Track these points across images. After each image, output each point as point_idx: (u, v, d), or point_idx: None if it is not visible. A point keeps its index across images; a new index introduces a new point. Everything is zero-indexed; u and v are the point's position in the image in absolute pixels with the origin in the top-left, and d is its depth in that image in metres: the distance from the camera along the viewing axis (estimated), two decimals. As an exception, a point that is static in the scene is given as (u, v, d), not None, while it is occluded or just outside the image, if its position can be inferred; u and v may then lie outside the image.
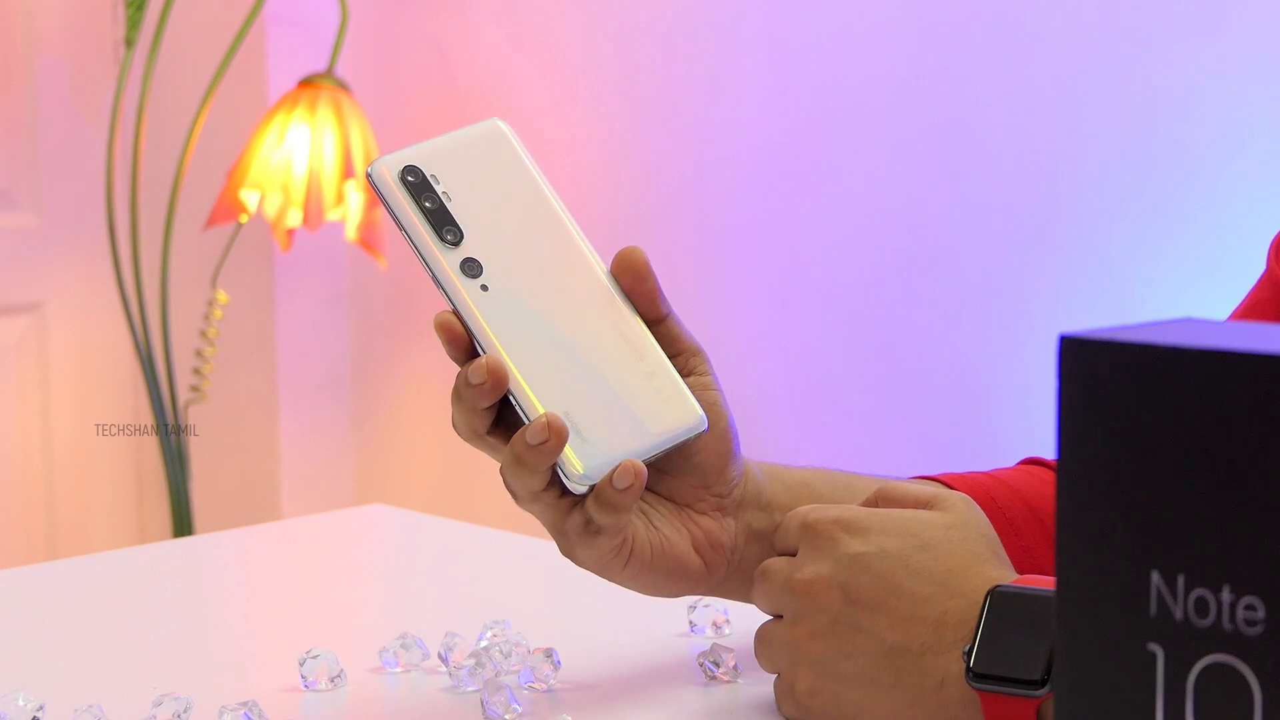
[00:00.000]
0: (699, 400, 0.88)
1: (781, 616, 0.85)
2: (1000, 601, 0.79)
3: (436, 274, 0.86)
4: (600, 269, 0.88)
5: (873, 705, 0.81)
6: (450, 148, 0.87)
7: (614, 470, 0.84)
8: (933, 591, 0.81)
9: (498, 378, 0.83)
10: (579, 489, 0.85)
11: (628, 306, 0.88)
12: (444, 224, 0.86)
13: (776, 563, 0.86)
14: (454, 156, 0.87)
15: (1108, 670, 0.54)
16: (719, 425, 0.89)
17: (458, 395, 0.84)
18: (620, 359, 0.87)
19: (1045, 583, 0.80)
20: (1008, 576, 0.82)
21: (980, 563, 0.82)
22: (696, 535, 0.89)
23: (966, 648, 0.79)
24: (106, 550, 1.65)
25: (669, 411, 0.87)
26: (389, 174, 0.86)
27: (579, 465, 0.85)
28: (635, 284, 0.88)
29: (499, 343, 0.85)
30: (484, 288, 0.85)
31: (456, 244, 0.86)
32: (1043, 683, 0.77)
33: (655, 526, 0.89)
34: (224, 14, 2.56)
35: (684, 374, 0.89)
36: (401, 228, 0.86)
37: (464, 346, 0.85)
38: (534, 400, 0.84)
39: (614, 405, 0.86)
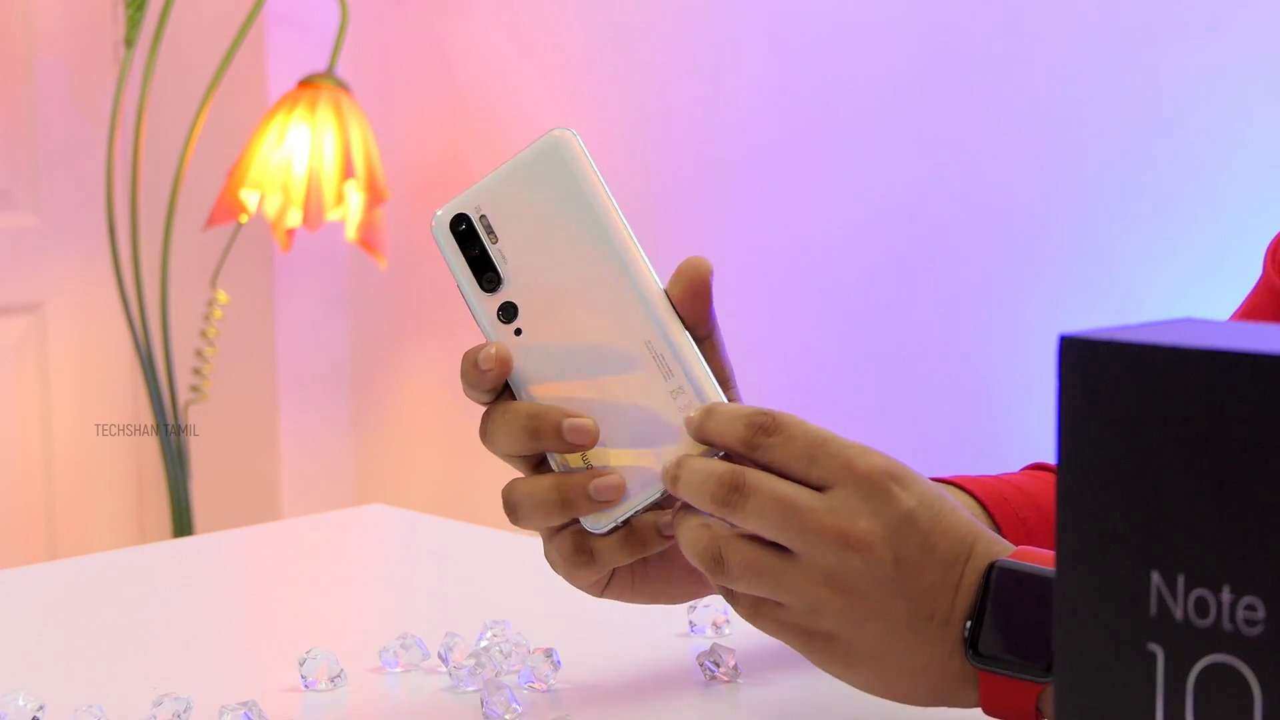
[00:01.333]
0: None
1: (787, 551, 0.79)
2: (1002, 580, 0.78)
3: (479, 321, 0.86)
4: (651, 279, 0.85)
5: (878, 666, 0.79)
6: (507, 177, 0.86)
7: (660, 517, 0.83)
8: (958, 553, 0.79)
9: (503, 366, 0.83)
10: (599, 530, 0.84)
11: (673, 318, 0.85)
12: (484, 270, 0.85)
13: (808, 498, 0.77)
14: (508, 187, 0.86)
15: (1108, 670, 0.54)
16: None
17: (467, 379, 0.84)
18: (649, 383, 0.85)
19: (1042, 558, 0.79)
20: (999, 540, 0.80)
21: (970, 518, 0.80)
22: None
23: (969, 623, 0.78)
24: (106, 550, 1.65)
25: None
26: (443, 224, 0.86)
27: (608, 515, 0.83)
28: (688, 300, 0.85)
29: (529, 390, 0.84)
30: (518, 332, 0.85)
31: (494, 290, 0.85)
32: (1045, 670, 0.77)
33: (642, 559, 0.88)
34: (224, 14, 2.56)
35: None
36: (455, 278, 0.86)
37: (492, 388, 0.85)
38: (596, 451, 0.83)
39: (640, 442, 0.84)
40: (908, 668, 0.79)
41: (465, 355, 0.85)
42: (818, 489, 0.78)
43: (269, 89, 2.59)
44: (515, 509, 0.84)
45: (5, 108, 2.59)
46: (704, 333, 0.86)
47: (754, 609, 0.80)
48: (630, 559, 0.84)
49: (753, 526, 0.78)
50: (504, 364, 0.84)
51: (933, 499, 0.79)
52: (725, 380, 0.87)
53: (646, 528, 0.84)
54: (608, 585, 0.88)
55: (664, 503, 0.85)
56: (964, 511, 0.81)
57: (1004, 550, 0.80)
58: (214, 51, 2.53)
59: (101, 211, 2.60)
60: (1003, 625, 0.78)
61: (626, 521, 0.84)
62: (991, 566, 0.78)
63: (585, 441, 0.83)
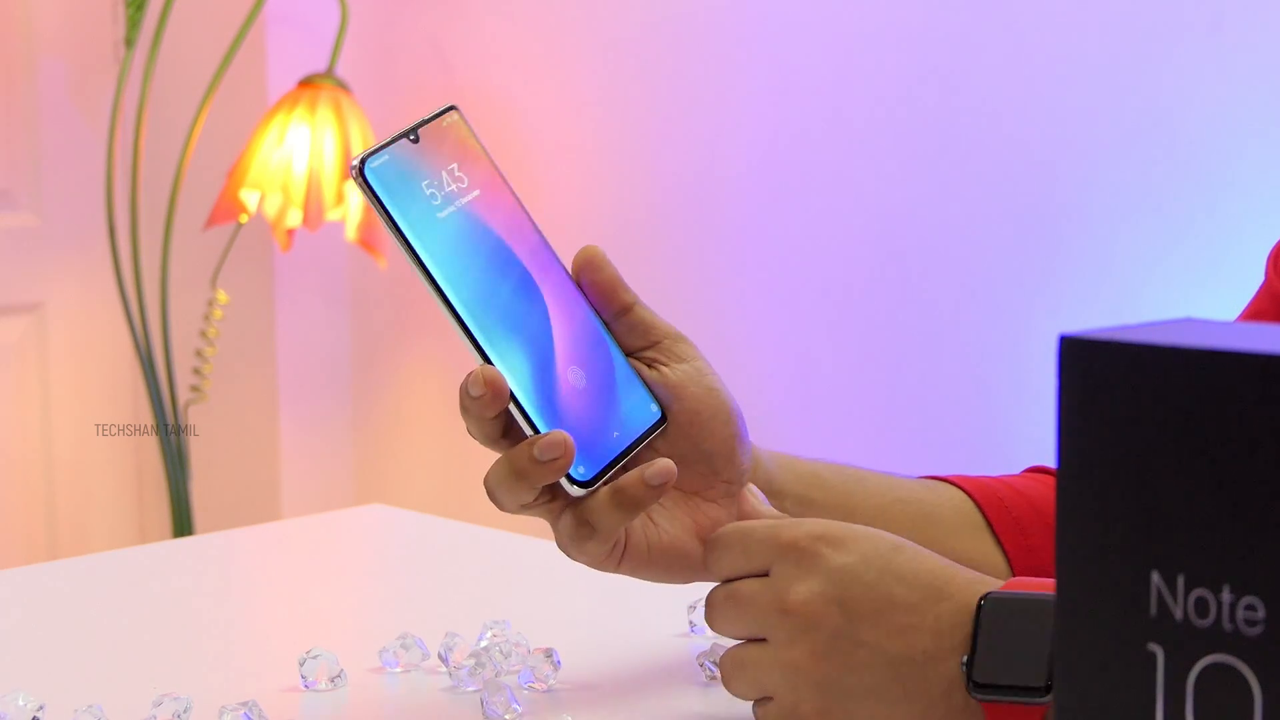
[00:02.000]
0: (697, 386, 0.88)
1: (761, 640, 0.82)
2: (994, 609, 0.78)
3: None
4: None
5: (881, 718, 0.80)
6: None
7: (646, 468, 0.83)
8: (922, 596, 0.79)
9: (496, 389, 0.82)
10: (578, 493, 0.84)
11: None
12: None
13: (751, 585, 0.82)
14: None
15: (1108, 670, 0.54)
16: (724, 410, 0.88)
17: (464, 408, 0.84)
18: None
19: (1033, 585, 0.79)
20: (984, 578, 0.81)
21: (943, 564, 0.81)
22: (701, 524, 0.89)
23: (965, 657, 0.78)
24: (106, 550, 1.65)
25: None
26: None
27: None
28: (596, 275, 0.87)
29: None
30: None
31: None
32: (1046, 689, 0.76)
33: (654, 522, 0.88)
34: (224, 14, 2.56)
35: (672, 360, 0.88)
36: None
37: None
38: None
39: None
40: (911, 714, 0.79)
41: (461, 388, 0.83)
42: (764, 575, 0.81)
43: (269, 89, 2.59)
44: (491, 495, 0.85)
45: (5, 108, 2.58)
46: (624, 304, 0.88)
47: (764, 713, 0.82)
48: (628, 519, 0.84)
49: (722, 630, 0.83)
50: (496, 387, 0.82)
51: (881, 552, 0.80)
52: (680, 338, 0.89)
53: (633, 482, 0.84)
54: (622, 559, 0.87)
55: (641, 456, 0.87)
56: (933, 559, 0.81)
57: (991, 585, 0.80)
58: (214, 51, 2.53)
59: (101, 211, 2.60)
60: (999, 652, 0.77)
61: (599, 480, 0.84)
62: (983, 599, 0.78)
63: (479, 390, 0.82)
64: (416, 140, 0.84)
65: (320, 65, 2.52)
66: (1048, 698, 0.76)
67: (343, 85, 2.45)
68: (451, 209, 0.84)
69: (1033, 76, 2.04)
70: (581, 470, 0.84)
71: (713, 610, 0.83)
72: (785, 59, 2.25)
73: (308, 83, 2.45)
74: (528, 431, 0.84)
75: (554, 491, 0.85)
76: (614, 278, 0.88)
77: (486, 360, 0.83)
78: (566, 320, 0.86)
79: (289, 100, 2.44)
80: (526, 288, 0.86)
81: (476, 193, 0.85)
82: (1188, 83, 1.93)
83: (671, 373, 0.88)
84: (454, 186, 0.84)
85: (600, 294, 0.88)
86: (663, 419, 0.88)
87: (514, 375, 0.83)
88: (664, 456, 0.87)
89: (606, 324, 0.88)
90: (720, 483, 0.89)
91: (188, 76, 2.59)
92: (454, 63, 2.59)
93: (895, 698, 0.79)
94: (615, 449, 0.86)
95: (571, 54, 2.47)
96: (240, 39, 2.44)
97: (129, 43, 2.48)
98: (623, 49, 2.41)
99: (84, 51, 2.65)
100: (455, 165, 0.85)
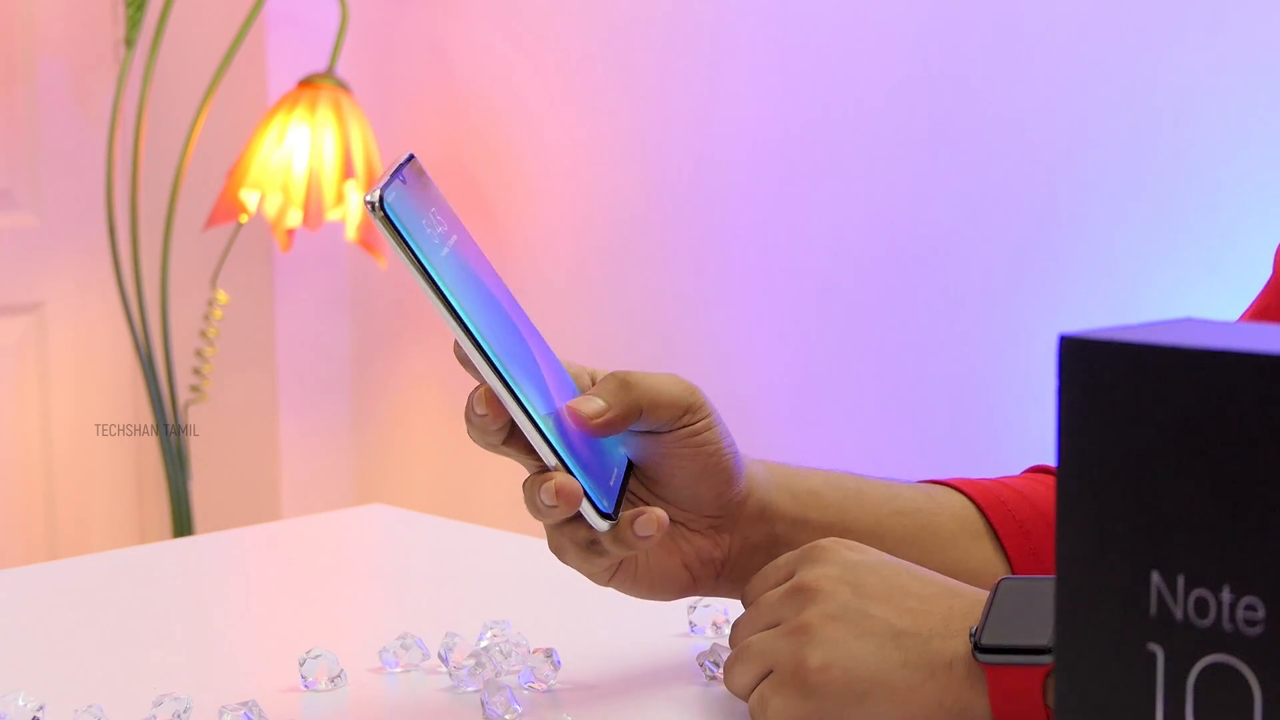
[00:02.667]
0: (699, 452, 0.88)
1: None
2: (1008, 587, 0.81)
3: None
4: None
5: (881, 682, 0.80)
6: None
7: (637, 518, 0.85)
8: (936, 592, 0.83)
9: (496, 410, 0.83)
10: (604, 526, 0.85)
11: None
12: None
13: (771, 591, 0.86)
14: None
15: (1108, 670, 0.54)
16: (715, 469, 0.89)
17: (468, 418, 0.85)
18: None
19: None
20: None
21: (955, 581, 0.85)
22: (686, 552, 0.91)
23: (974, 628, 0.80)
24: (106, 550, 1.66)
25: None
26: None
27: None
28: (611, 423, 0.88)
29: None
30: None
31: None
32: (1049, 650, 0.77)
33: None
34: (224, 14, 2.56)
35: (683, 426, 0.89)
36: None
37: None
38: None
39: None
40: (909, 681, 0.80)
41: (468, 400, 0.84)
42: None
43: (269, 89, 2.59)
44: (529, 506, 0.86)
45: (5, 108, 2.58)
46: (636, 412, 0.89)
47: (761, 701, 0.83)
48: (629, 553, 0.87)
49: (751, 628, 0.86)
50: (570, 497, 0.83)
51: (894, 559, 0.85)
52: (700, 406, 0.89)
53: (625, 528, 0.85)
54: (614, 576, 0.90)
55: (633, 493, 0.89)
56: (946, 577, 0.85)
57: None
58: (214, 51, 2.53)
59: (101, 211, 2.60)
60: (1006, 621, 0.79)
61: (615, 514, 0.85)
62: (999, 582, 0.81)
63: (557, 502, 0.83)
64: (405, 183, 0.83)
65: (320, 65, 2.52)
66: (1049, 658, 0.77)
67: (343, 85, 2.45)
68: (446, 249, 0.84)
69: (1032, 75, 2.04)
70: (605, 503, 0.85)
71: (735, 630, 0.86)
72: (784, 58, 2.25)
73: (308, 83, 2.45)
74: (551, 462, 0.84)
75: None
76: (629, 407, 0.87)
77: (515, 399, 0.83)
78: (543, 362, 0.87)
79: (289, 100, 2.44)
80: (512, 329, 0.86)
81: (455, 237, 0.86)
82: (1188, 83, 1.93)
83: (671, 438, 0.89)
84: (441, 228, 0.84)
85: (628, 423, 0.87)
86: (630, 463, 0.90)
87: (536, 412, 0.83)
88: (656, 491, 0.90)
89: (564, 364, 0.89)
90: (705, 518, 0.91)
91: (188, 76, 2.59)
92: (454, 63, 2.59)
93: (895, 664, 0.80)
94: (618, 482, 0.87)
95: (571, 54, 2.47)
96: (240, 39, 2.44)
97: (129, 43, 2.48)
98: (623, 49, 2.41)
99: (84, 51, 2.65)
100: (433, 209, 0.85)
